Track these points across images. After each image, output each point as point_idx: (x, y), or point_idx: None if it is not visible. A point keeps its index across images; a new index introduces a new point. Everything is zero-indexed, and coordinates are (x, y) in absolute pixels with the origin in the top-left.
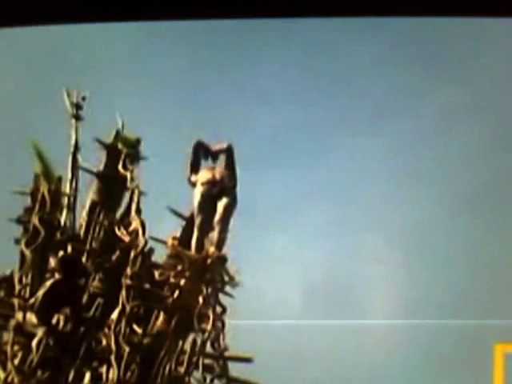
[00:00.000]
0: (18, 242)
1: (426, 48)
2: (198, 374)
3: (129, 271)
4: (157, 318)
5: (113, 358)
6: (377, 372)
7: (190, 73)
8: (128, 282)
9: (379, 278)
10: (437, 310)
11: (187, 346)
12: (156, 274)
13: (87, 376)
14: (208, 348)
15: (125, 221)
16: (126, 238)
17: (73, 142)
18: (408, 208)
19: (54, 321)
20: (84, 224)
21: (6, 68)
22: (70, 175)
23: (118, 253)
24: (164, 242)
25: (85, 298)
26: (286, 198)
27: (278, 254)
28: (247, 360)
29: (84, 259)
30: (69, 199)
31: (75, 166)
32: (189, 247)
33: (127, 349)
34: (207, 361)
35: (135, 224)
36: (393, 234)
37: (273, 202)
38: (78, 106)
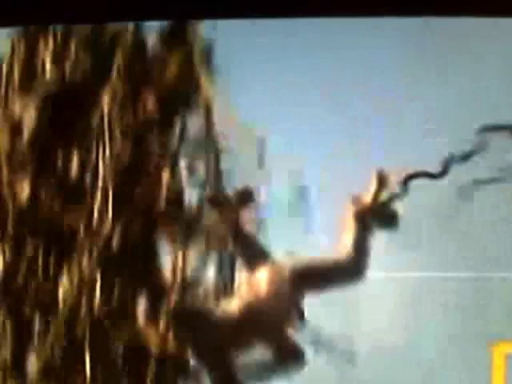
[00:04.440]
0: None
1: (427, 48)
2: None
3: None
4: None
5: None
6: (377, 371)
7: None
8: None
9: (379, 277)
10: (436, 310)
11: None
12: None
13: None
14: None
15: None
16: None
17: None
18: (408, 208)
19: None
20: None
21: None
22: None
23: None
24: None
25: None
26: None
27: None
28: None
29: None
30: None
31: None
32: None
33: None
34: None
35: None
36: (394, 233)
37: (273, 201)
38: None
